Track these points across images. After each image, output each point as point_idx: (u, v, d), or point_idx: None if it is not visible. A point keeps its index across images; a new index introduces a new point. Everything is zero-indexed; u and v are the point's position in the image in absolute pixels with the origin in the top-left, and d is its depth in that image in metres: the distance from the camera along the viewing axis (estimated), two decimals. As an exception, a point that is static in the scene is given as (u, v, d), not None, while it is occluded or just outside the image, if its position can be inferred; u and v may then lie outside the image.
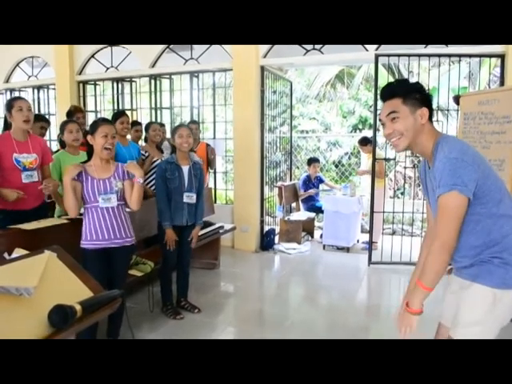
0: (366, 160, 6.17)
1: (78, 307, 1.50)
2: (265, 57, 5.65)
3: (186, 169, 3.54)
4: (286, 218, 6.05)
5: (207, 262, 4.90)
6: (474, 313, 1.66)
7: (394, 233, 6.37)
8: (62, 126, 3.55)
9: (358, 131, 9.46)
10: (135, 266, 3.65)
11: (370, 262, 5.13)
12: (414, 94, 1.68)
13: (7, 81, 7.62)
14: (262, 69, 5.68)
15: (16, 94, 7.58)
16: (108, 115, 6.90)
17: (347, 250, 5.74)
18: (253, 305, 4.05)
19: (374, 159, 5.15)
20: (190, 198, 3.54)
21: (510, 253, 1.61)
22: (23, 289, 1.49)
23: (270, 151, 6.21)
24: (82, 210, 2.91)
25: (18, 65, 7.53)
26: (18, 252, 2.75)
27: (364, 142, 6.18)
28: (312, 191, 6.49)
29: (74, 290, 1.66)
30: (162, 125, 5.63)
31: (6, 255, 2.71)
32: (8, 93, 7.71)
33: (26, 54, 7.32)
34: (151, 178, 4.39)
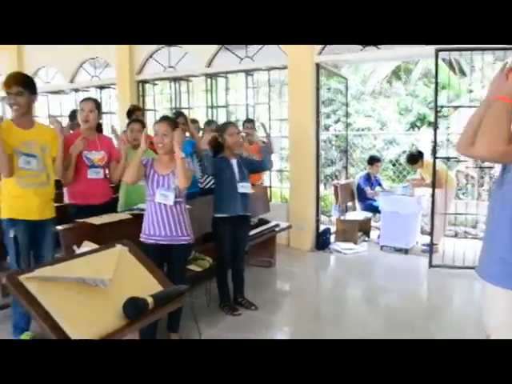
0: (421, 174, 5.94)
1: (150, 300, 1.53)
2: (320, 54, 5.56)
3: (234, 161, 3.61)
4: (342, 218, 5.94)
5: (263, 260, 4.90)
6: (498, 317, 1.55)
7: (456, 235, 6.11)
8: (127, 125, 3.70)
9: (416, 129, 9.14)
10: (194, 261, 3.71)
11: (430, 264, 4.93)
12: None
13: (72, 81, 7.99)
14: (318, 66, 5.60)
15: (80, 93, 7.95)
16: (166, 113, 7.08)
17: (406, 251, 5.55)
18: (309, 304, 4.01)
19: (435, 160, 4.96)
20: (244, 187, 3.58)
21: None
22: (99, 280, 1.54)
23: (325, 149, 6.12)
24: (145, 205, 3.00)
25: (81, 66, 7.88)
26: (87, 244, 2.86)
27: (412, 160, 5.87)
28: (377, 191, 6.28)
29: (144, 284, 1.70)
30: (213, 121, 5.70)
31: (75, 247, 2.83)
32: (73, 92, 8.10)
33: (89, 55, 7.65)
34: (209, 178, 4.46)
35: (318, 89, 5.61)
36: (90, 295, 1.52)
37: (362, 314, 3.84)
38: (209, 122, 5.41)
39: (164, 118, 3.06)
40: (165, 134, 2.87)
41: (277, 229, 4.85)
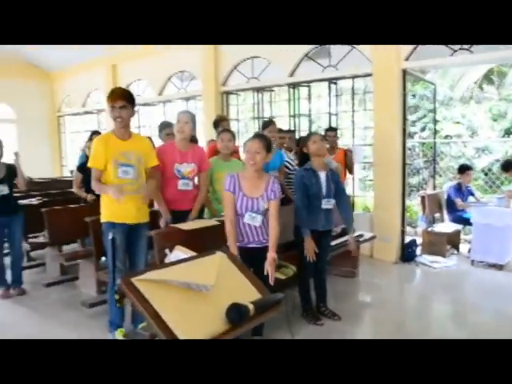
0: None
1: (251, 307, 1.58)
2: (407, 59, 5.39)
3: (323, 175, 3.54)
4: (429, 229, 5.69)
5: (346, 270, 4.82)
6: None
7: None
8: (218, 135, 3.83)
9: (511, 136, 8.51)
10: (278, 268, 3.74)
11: (529, 282, 4.56)
12: None
13: (160, 93, 8.46)
14: (404, 72, 5.43)
15: (168, 105, 8.39)
16: (248, 123, 7.27)
17: (500, 267, 5.17)
18: (392, 317, 3.87)
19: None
20: (328, 203, 3.54)
21: None
22: (202, 286, 1.62)
23: (410, 158, 5.90)
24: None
25: (169, 79, 8.32)
26: (179, 249, 3.00)
27: (507, 167, 5.51)
28: (469, 203, 5.92)
29: (244, 290, 1.76)
30: (292, 131, 5.74)
31: (167, 251, 2.98)
32: (161, 104, 8.57)
33: (176, 69, 8.06)
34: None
35: (404, 95, 5.45)
36: (193, 299, 1.60)
37: (447, 332, 3.61)
38: (290, 132, 5.46)
39: (257, 136, 3.08)
40: (257, 152, 2.88)
41: (360, 239, 4.75)
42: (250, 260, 2.99)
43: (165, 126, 4.45)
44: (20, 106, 10.77)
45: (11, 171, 4.32)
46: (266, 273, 2.84)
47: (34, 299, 4.34)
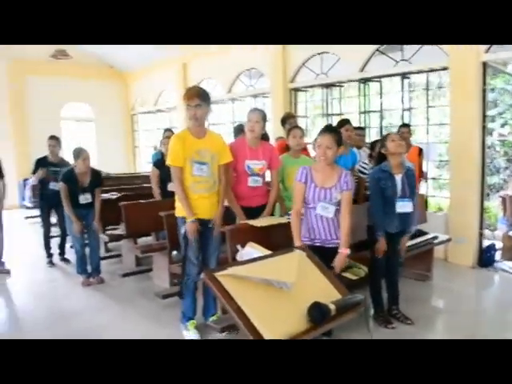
0: None
1: (333, 307, 1.56)
2: (487, 51, 5.07)
3: (398, 178, 3.42)
4: (510, 233, 5.33)
5: (419, 274, 4.64)
6: None
7: None
8: (288, 131, 3.83)
9: None
10: (349, 269, 3.67)
11: None
12: None
13: (229, 91, 8.61)
14: (484, 65, 5.11)
15: (236, 102, 8.51)
16: (315, 120, 7.18)
17: None
18: (468, 324, 3.65)
19: None
20: (403, 207, 3.40)
21: None
22: (283, 283, 1.62)
23: (489, 156, 5.55)
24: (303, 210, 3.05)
25: (238, 77, 8.43)
26: (251, 245, 3.03)
27: None
28: None
29: (324, 290, 1.74)
30: (362, 128, 5.61)
31: (239, 247, 3.03)
32: (230, 102, 8.71)
33: (244, 66, 8.16)
34: None
35: (484, 90, 5.13)
36: (274, 296, 1.61)
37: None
38: (360, 129, 5.35)
39: (328, 130, 3.01)
40: (328, 147, 2.84)
41: (435, 241, 4.55)
42: (321, 259, 2.96)
43: (241, 131, 4.47)
44: (98, 106, 11.46)
45: (95, 179, 4.63)
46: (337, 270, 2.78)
47: (111, 288, 4.61)
